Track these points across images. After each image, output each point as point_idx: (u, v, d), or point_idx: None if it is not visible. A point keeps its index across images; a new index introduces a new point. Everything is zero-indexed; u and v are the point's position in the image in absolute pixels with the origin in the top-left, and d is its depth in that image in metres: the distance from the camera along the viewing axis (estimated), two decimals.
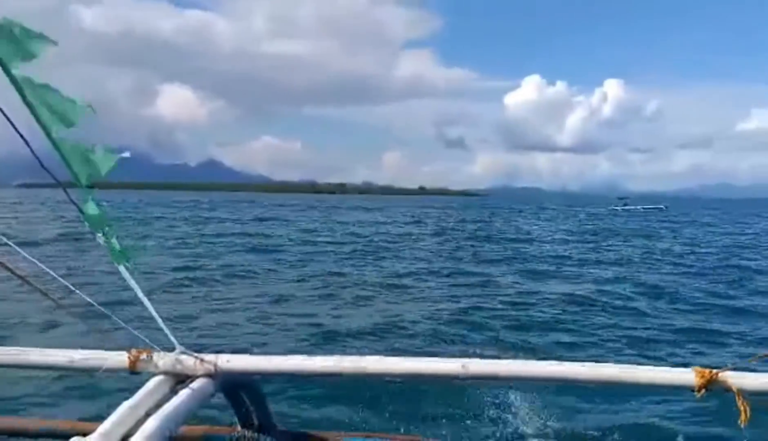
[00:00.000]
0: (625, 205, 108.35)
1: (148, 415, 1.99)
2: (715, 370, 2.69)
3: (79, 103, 1.49)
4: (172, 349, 2.31)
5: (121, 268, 2.02)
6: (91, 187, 1.72)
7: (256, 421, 2.77)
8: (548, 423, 6.14)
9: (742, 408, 2.68)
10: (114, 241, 1.92)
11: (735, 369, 2.76)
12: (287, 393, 5.30)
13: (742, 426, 2.66)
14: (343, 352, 2.58)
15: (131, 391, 2.11)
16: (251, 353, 2.52)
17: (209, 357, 2.34)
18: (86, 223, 1.80)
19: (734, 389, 2.68)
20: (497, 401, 6.65)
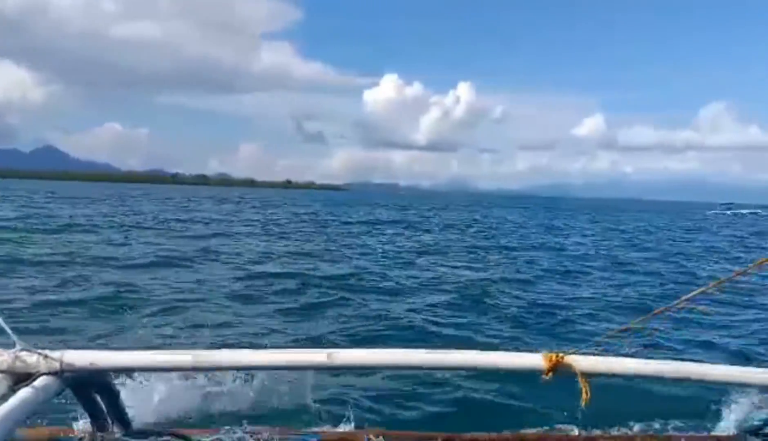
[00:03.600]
0: (730, 209, 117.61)
1: None
2: (561, 354, 2.90)
3: None
4: (11, 346, 2.15)
5: None
6: None
7: (109, 421, 2.63)
8: (407, 408, 6.28)
9: (583, 388, 2.91)
10: None
11: (578, 352, 2.99)
12: (142, 388, 5.03)
13: (584, 405, 2.88)
14: (206, 345, 2.51)
15: None
16: (102, 348, 2.39)
17: (54, 353, 2.18)
18: None
19: (577, 371, 2.90)
20: (361, 387, 6.69)
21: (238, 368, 2.46)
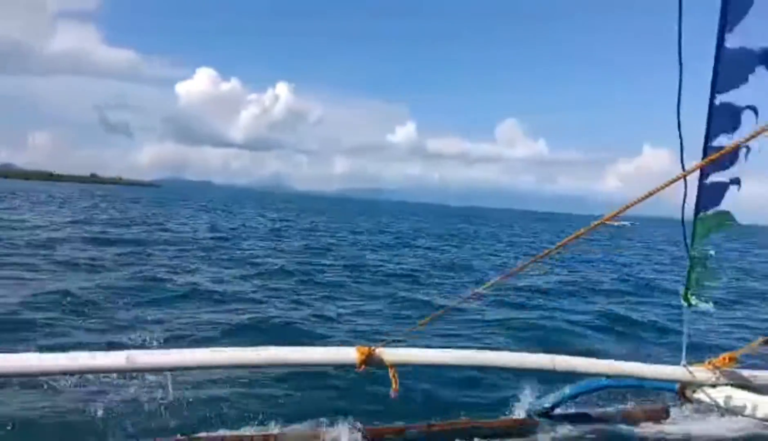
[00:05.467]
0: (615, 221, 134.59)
1: None
2: (373, 347, 3.08)
3: None
4: None
5: None
6: None
7: None
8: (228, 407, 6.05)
9: (393, 379, 3.12)
10: None
11: (388, 345, 3.20)
12: None
13: (393, 395, 3.08)
14: None
15: None
16: None
17: None
18: None
19: (387, 363, 3.11)
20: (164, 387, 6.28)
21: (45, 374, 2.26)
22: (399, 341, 3.41)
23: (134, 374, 5.48)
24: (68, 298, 10.86)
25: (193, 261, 18.43)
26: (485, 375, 7.09)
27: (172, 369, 2.55)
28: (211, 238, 27.48)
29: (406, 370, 3.32)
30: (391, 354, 3.17)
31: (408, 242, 35.05)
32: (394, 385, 3.15)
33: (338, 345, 3.11)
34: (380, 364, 3.14)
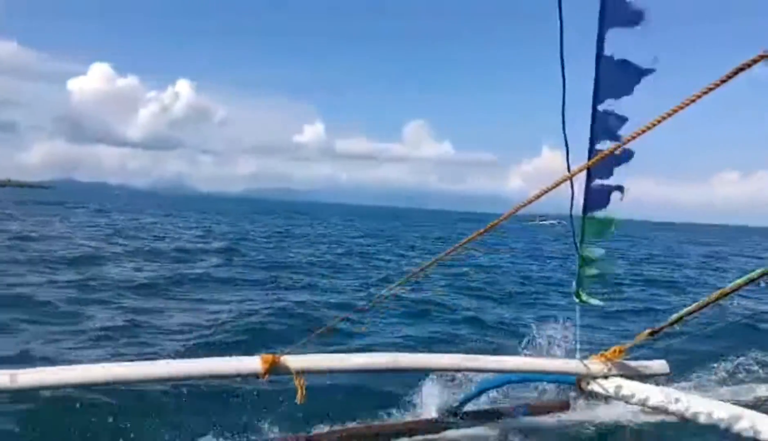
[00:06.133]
0: (545, 220, 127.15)
1: None
2: (277, 355, 3.04)
3: None
4: None
5: None
6: None
7: None
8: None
9: (298, 386, 3.09)
10: None
11: (292, 352, 3.17)
12: None
13: (299, 403, 3.06)
14: None
15: None
16: None
17: None
18: None
19: (292, 370, 3.07)
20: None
21: None
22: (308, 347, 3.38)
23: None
24: None
25: None
26: (393, 377, 7.16)
27: (58, 386, 2.42)
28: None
29: (312, 375, 3.30)
30: (296, 361, 3.13)
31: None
32: (299, 394, 3.12)
33: (240, 354, 3.04)
34: (286, 372, 3.10)
